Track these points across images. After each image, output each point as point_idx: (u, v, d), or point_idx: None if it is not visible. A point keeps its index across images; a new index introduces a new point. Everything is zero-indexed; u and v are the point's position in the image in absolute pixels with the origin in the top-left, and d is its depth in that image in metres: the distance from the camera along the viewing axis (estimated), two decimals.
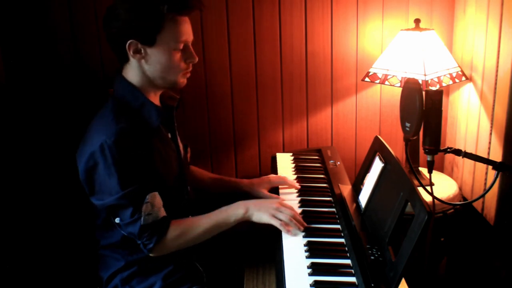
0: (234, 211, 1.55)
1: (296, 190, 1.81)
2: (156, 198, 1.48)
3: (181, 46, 1.50)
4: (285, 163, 2.03)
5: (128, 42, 1.46)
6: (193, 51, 1.54)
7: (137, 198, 1.45)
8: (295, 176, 1.91)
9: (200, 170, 1.95)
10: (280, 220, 1.52)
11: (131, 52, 1.48)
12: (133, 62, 1.52)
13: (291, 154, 2.13)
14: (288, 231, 1.50)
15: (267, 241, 1.61)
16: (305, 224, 1.55)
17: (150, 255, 1.51)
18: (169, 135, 1.65)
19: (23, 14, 1.98)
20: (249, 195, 1.85)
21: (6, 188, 1.89)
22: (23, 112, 2.04)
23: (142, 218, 1.45)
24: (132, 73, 1.54)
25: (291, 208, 1.57)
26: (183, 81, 1.57)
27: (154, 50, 1.48)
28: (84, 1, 2.03)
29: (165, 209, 1.52)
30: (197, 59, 1.55)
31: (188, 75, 1.58)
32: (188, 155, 1.82)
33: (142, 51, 1.48)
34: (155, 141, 1.55)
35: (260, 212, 1.54)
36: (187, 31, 1.51)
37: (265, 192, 1.83)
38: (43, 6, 2.00)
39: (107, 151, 1.42)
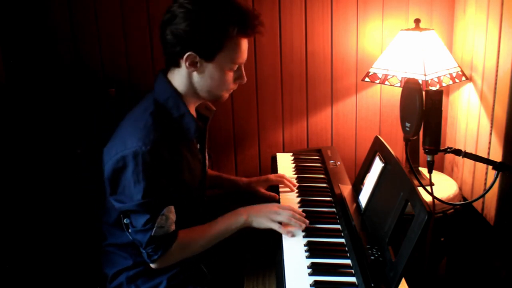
0: (235, 219, 1.56)
1: (296, 190, 1.81)
2: (171, 212, 1.48)
3: (236, 67, 1.50)
4: (285, 163, 2.03)
5: (187, 53, 1.43)
6: (243, 72, 1.53)
7: (155, 209, 1.45)
8: (295, 176, 1.92)
9: None
10: (280, 222, 1.53)
11: (187, 64, 1.45)
12: (183, 70, 1.49)
13: (291, 154, 2.13)
14: (287, 233, 1.50)
15: (268, 241, 1.61)
16: (307, 221, 1.55)
17: (152, 266, 1.51)
18: (198, 146, 1.64)
19: (23, 14, 1.98)
20: (247, 193, 1.86)
21: (8, 187, 1.89)
22: (23, 112, 2.04)
23: (154, 230, 1.44)
24: (179, 79, 1.51)
25: (290, 208, 1.57)
26: (226, 95, 1.56)
27: (210, 65, 1.46)
28: (84, 1, 2.03)
29: (183, 217, 1.52)
30: (245, 80, 1.54)
31: (232, 91, 1.57)
32: None
33: (198, 64, 1.46)
34: (185, 151, 1.54)
35: (259, 218, 1.55)
36: (245, 53, 1.50)
37: (262, 190, 1.84)
38: (43, 6, 2.00)
39: (139, 158, 1.40)
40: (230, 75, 1.50)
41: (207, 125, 1.67)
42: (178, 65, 1.49)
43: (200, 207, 1.70)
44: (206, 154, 1.71)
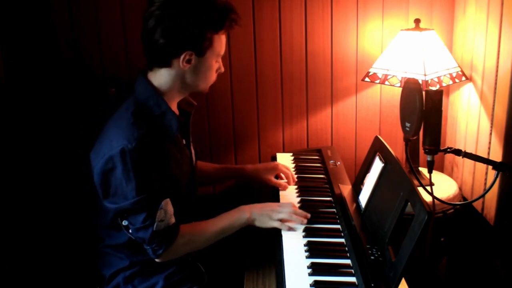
0: (238, 216, 1.58)
1: (296, 190, 1.81)
2: (168, 205, 1.49)
3: (219, 58, 1.58)
4: (285, 163, 2.02)
5: (184, 53, 1.48)
6: (221, 62, 1.61)
7: (151, 204, 1.46)
8: (295, 176, 1.92)
9: (204, 162, 1.97)
10: (281, 220, 1.55)
11: (184, 62, 1.49)
12: (174, 69, 1.52)
13: (291, 154, 2.13)
14: (288, 228, 1.53)
15: (268, 241, 1.61)
16: (308, 215, 1.57)
17: (157, 260, 1.52)
18: (184, 141, 1.66)
19: (23, 14, 1.98)
20: (253, 180, 1.89)
21: (7, 187, 1.89)
22: (23, 112, 2.04)
23: (155, 225, 1.46)
24: (163, 78, 1.54)
25: (290, 205, 1.60)
26: (208, 87, 1.62)
27: (202, 60, 1.52)
28: (84, 1, 2.03)
29: (175, 214, 1.53)
30: (223, 69, 1.63)
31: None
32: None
33: (193, 61, 1.51)
34: (170, 146, 1.56)
35: (262, 217, 1.57)
36: (225, 45, 1.58)
37: (271, 179, 1.86)
38: (43, 6, 2.00)
39: (127, 156, 1.42)
40: (216, 66, 1.58)
41: (189, 120, 1.70)
42: (168, 65, 1.52)
43: (191, 205, 1.70)
44: (193, 150, 1.73)
